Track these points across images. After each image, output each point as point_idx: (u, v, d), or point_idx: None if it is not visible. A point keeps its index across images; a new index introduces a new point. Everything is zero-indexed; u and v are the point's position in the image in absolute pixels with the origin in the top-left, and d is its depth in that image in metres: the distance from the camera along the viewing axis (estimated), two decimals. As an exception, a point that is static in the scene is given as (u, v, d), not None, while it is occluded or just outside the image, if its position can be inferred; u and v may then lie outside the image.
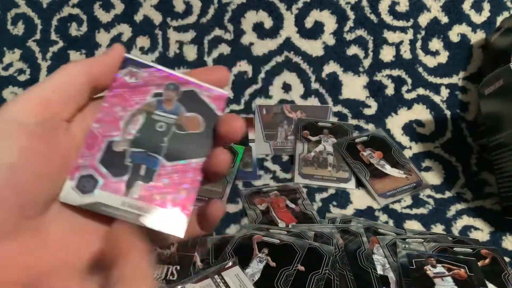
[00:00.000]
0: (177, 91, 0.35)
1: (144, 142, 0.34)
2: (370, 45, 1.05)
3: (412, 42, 1.04)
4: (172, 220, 0.33)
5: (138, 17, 1.06)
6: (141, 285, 0.27)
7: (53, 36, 1.07)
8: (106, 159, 0.33)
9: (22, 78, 1.07)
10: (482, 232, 0.78)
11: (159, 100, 0.34)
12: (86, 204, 0.32)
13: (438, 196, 0.87)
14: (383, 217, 0.81)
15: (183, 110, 0.35)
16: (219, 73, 0.36)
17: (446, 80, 1.03)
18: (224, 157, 0.34)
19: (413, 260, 0.67)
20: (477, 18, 1.01)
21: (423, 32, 1.03)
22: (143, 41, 1.07)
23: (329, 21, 1.05)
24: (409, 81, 1.04)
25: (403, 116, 1.04)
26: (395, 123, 1.03)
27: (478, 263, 0.67)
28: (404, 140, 1.01)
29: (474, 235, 0.77)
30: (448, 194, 0.88)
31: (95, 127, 0.33)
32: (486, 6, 1.00)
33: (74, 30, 1.07)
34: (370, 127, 1.04)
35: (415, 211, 0.83)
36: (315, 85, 1.07)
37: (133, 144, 0.34)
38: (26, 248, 0.28)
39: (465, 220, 0.81)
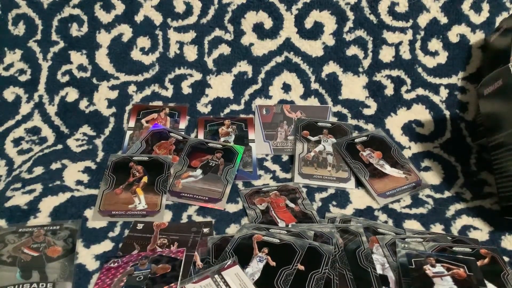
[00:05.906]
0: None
1: None
2: (370, 45, 1.05)
3: (412, 43, 1.04)
4: None
5: (138, 18, 1.07)
6: None
7: (54, 37, 1.07)
8: None
9: (23, 78, 1.07)
10: (481, 232, 0.78)
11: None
12: None
13: (438, 196, 0.88)
14: (383, 217, 0.82)
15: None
16: None
17: (445, 80, 1.04)
18: None
19: (412, 260, 0.67)
20: (476, 19, 1.01)
21: (422, 33, 1.03)
22: (143, 42, 1.07)
23: (329, 22, 1.05)
24: (409, 81, 1.05)
25: (402, 116, 1.04)
26: (395, 123, 1.04)
27: (477, 262, 0.67)
28: (404, 140, 1.02)
29: (473, 234, 0.78)
30: (447, 194, 0.88)
31: None
32: (485, 6, 1.01)
33: (74, 30, 1.07)
34: (370, 127, 1.04)
35: (414, 210, 0.83)
36: (314, 85, 1.07)
37: None
38: None
39: (464, 220, 0.81)
